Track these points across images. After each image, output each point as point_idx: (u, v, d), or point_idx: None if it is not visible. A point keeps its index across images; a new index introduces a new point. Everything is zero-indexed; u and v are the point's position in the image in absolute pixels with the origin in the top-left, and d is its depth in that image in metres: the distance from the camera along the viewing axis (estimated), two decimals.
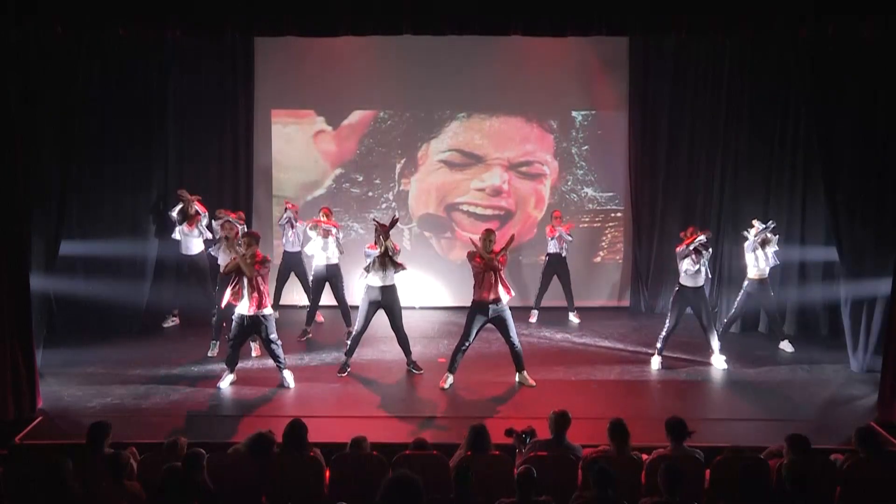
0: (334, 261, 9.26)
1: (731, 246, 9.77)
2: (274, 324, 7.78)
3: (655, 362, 8.53)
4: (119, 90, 9.15)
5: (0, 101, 6.81)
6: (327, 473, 5.26)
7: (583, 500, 4.67)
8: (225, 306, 7.85)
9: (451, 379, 7.90)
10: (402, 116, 10.76)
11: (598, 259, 11.01)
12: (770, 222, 8.81)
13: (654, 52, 10.28)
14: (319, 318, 9.88)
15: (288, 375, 7.83)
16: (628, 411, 6.70)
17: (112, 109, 9.15)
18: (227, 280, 7.77)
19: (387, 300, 8.06)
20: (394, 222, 8.02)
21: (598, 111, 10.78)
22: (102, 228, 9.38)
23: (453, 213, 10.90)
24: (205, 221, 9.48)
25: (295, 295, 10.14)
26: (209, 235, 9.45)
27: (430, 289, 10.66)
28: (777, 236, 8.94)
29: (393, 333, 8.27)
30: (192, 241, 9.53)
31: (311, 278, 9.46)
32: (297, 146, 10.78)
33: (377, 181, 10.84)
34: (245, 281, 7.51)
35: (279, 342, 7.79)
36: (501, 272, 7.75)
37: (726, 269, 9.89)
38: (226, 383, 7.79)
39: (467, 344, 7.88)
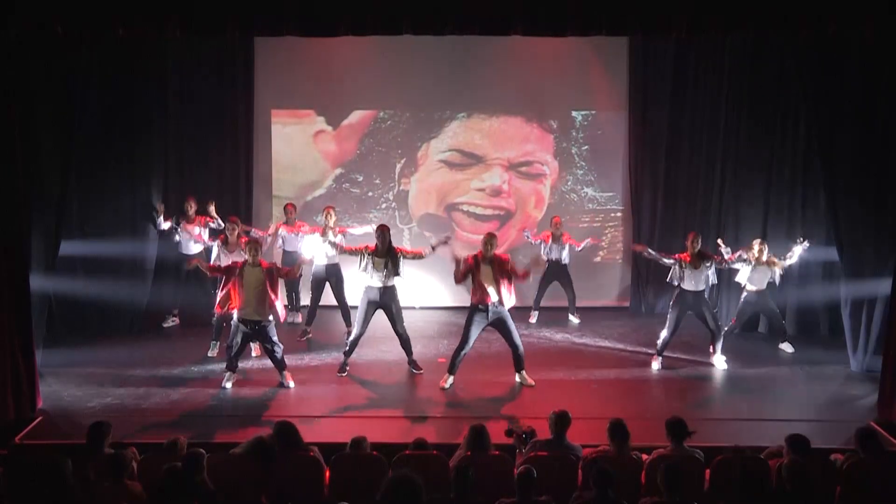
0: (335, 261, 9.26)
1: (732, 245, 9.73)
2: (275, 329, 7.77)
3: (656, 364, 8.52)
4: (119, 90, 9.15)
5: (0, 101, 6.80)
6: (327, 473, 5.26)
7: (583, 500, 4.67)
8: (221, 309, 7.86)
9: (451, 379, 7.90)
10: (402, 116, 10.76)
11: (598, 259, 11.00)
12: (802, 241, 8.63)
13: (654, 52, 10.28)
14: (300, 318, 9.92)
15: (288, 376, 7.83)
16: (628, 411, 6.71)
17: (112, 110, 9.15)
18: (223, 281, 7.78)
19: (385, 301, 8.05)
20: (444, 241, 8.04)
21: (598, 111, 10.78)
22: (102, 228, 9.37)
23: (453, 213, 10.90)
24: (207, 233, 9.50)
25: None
26: (206, 239, 9.47)
27: (431, 289, 10.66)
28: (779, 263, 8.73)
29: (394, 333, 8.26)
30: (192, 241, 9.54)
31: (311, 279, 9.47)
32: (297, 146, 10.77)
33: (377, 181, 10.84)
34: (243, 286, 7.51)
35: (280, 346, 7.79)
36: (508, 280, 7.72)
37: (726, 268, 9.86)
38: (230, 383, 7.78)
39: (467, 347, 7.86)
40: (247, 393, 7.69)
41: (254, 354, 8.64)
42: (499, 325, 7.84)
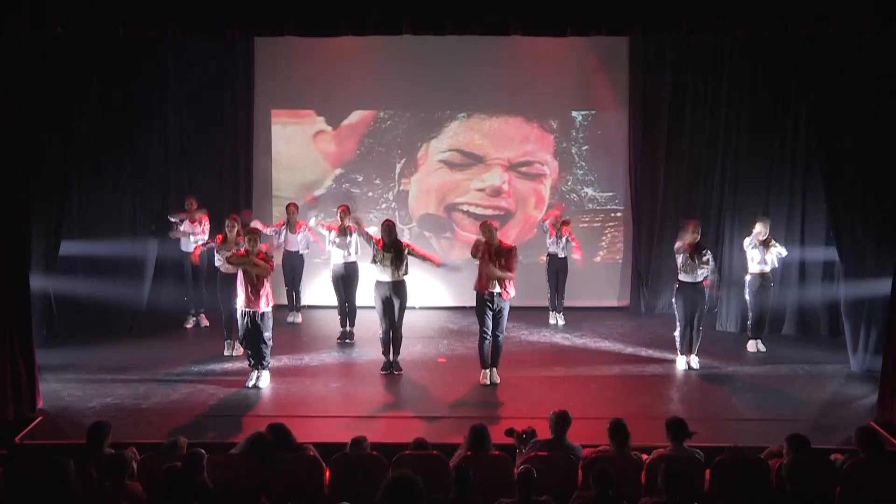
0: (351, 259, 9.23)
1: (732, 245, 9.75)
2: (270, 322, 7.77)
3: (681, 362, 8.42)
4: (119, 90, 9.16)
5: (0, 101, 6.80)
6: (327, 473, 5.26)
7: (583, 500, 4.67)
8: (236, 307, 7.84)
9: (489, 373, 7.89)
10: (402, 116, 10.76)
11: (598, 259, 11.00)
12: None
13: (654, 52, 10.28)
14: (300, 318, 9.96)
15: (265, 376, 7.79)
16: (628, 411, 6.70)
17: (112, 109, 9.15)
18: (230, 280, 7.76)
19: (393, 295, 8.09)
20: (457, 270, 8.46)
21: (598, 111, 10.79)
22: (102, 228, 9.36)
23: (453, 214, 10.90)
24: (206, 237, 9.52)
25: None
26: (204, 239, 9.47)
27: (430, 289, 10.65)
28: (777, 247, 8.82)
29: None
30: (192, 240, 9.53)
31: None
32: (297, 146, 10.78)
33: (377, 181, 10.84)
34: (254, 279, 7.51)
35: (270, 342, 7.78)
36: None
37: (726, 268, 9.87)
38: (261, 381, 7.74)
39: (487, 332, 7.84)
40: (247, 393, 7.68)
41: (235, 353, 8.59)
42: (496, 315, 7.85)
